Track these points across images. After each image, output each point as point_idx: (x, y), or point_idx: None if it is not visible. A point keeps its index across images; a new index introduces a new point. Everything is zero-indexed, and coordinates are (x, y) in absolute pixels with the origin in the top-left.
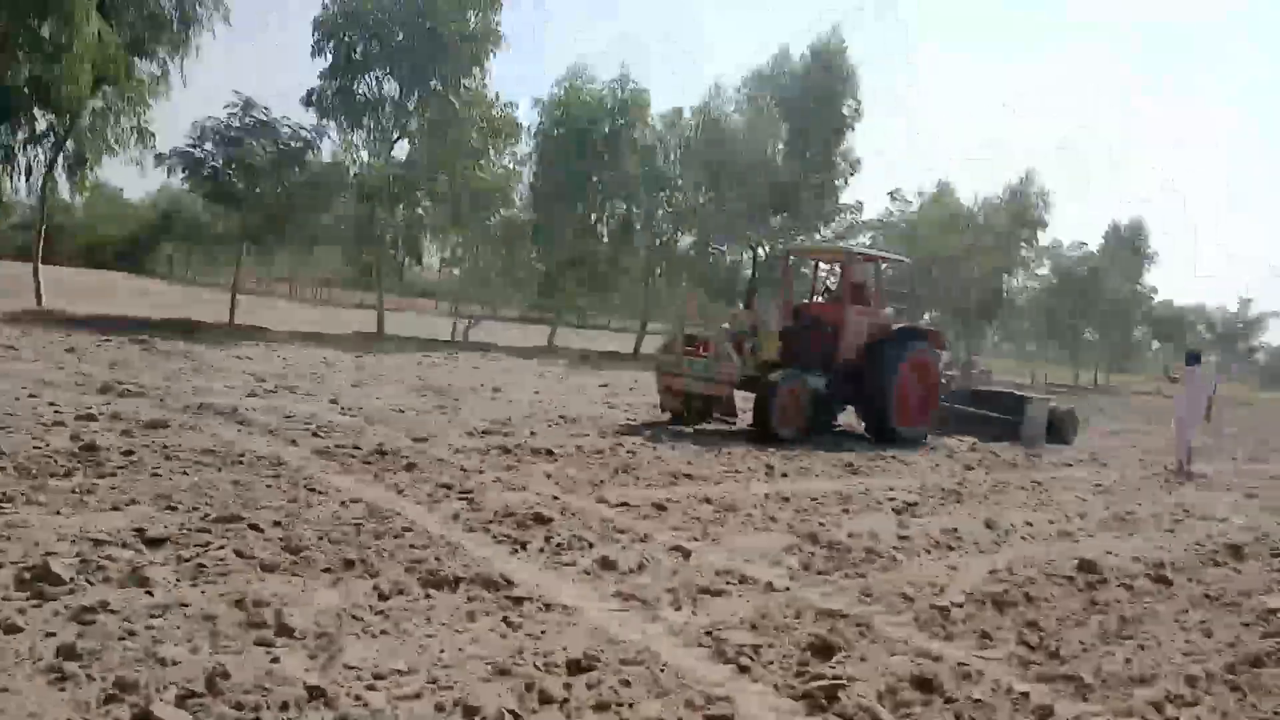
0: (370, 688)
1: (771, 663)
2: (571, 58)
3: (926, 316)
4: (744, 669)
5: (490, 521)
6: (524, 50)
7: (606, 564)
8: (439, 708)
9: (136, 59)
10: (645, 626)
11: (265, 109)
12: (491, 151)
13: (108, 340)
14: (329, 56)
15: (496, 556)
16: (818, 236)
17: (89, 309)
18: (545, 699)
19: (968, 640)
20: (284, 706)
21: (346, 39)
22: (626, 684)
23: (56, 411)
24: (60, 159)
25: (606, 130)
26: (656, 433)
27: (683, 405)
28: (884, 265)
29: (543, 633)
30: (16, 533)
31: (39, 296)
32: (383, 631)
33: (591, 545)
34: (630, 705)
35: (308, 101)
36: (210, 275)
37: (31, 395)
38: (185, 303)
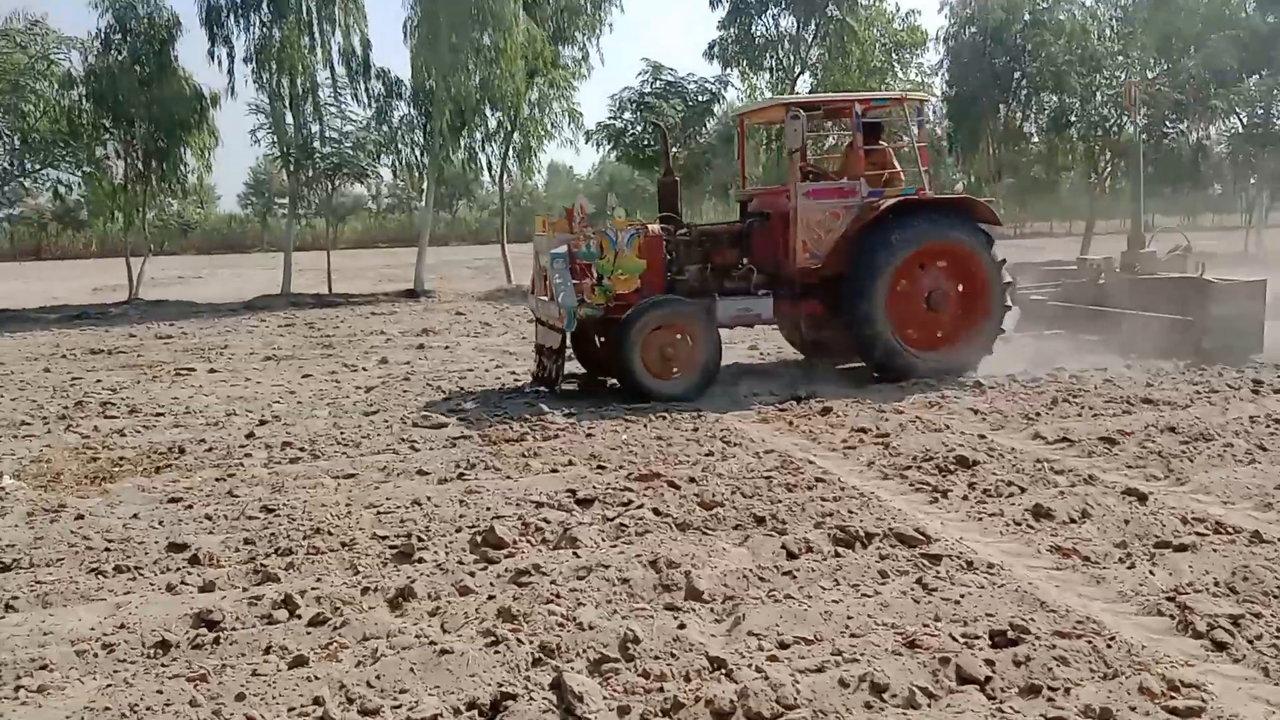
0: (772, 658)
1: (1259, 638)
2: None
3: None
4: (1219, 645)
5: (908, 467)
6: None
7: (1040, 513)
8: (843, 683)
9: (560, 47)
10: (1087, 590)
11: (672, 70)
12: (897, 67)
13: None
14: (725, 4)
15: (912, 507)
16: None
17: None
18: (964, 678)
19: None
20: (687, 677)
21: None
22: (1063, 662)
23: (515, 379)
24: (510, 150)
25: (1027, 17)
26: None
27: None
28: (874, 113)
29: (962, 597)
30: (473, 498)
31: (508, 274)
32: (788, 595)
33: (1023, 490)
34: (1067, 690)
35: (710, 54)
36: None
37: (498, 366)
38: None
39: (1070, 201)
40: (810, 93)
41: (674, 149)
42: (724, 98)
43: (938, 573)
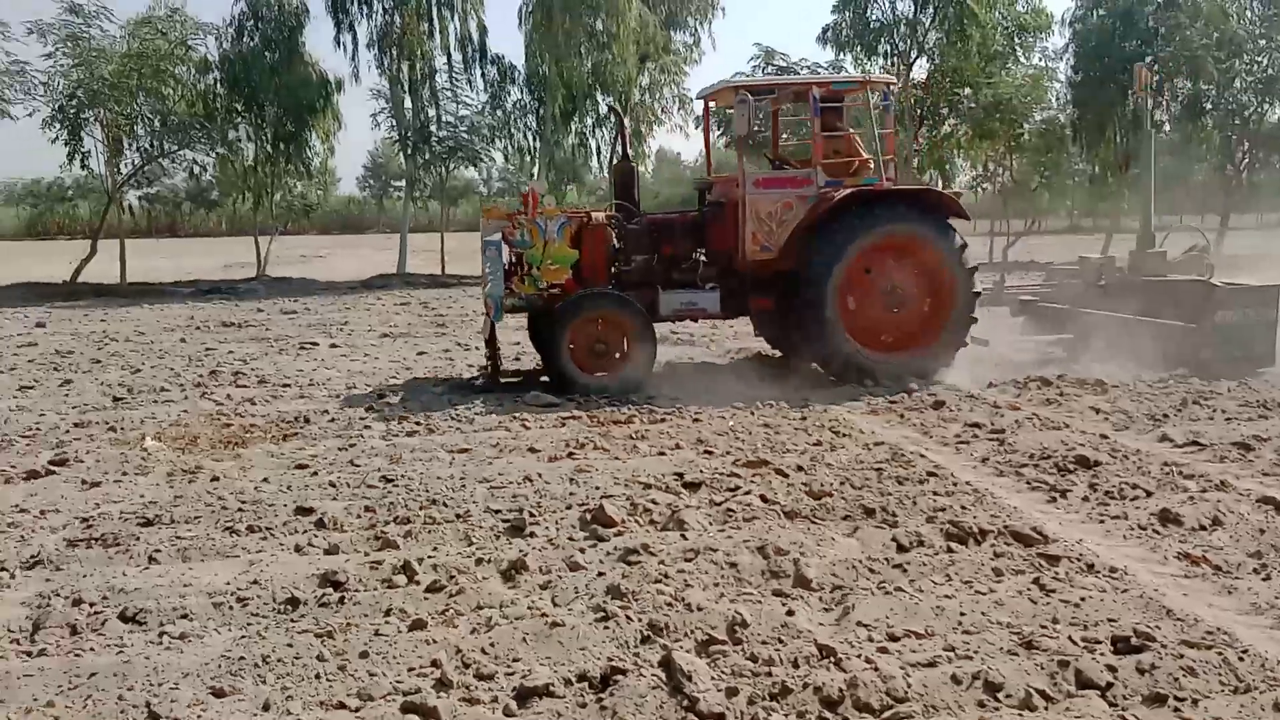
0: (882, 650)
1: None
2: None
3: None
4: None
5: (1024, 465)
6: None
7: (1168, 518)
8: (955, 679)
9: (671, 32)
10: (1218, 600)
11: (784, 55)
12: (1019, 51)
13: None
14: None
15: (1029, 506)
16: None
17: None
18: (1083, 682)
19: None
20: (795, 663)
21: None
22: (1190, 672)
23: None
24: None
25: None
26: None
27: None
28: (838, 97)
29: (1082, 600)
30: (583, 477)
31: None
32: (898, 588)
33: (1149, 494)
34: (1194, 701)
35: (823, 38)
36: None
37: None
38: None
39: (1202, 194)
40: (927, 78)
41: (783, 135)
42: None
43: (1056, 574)
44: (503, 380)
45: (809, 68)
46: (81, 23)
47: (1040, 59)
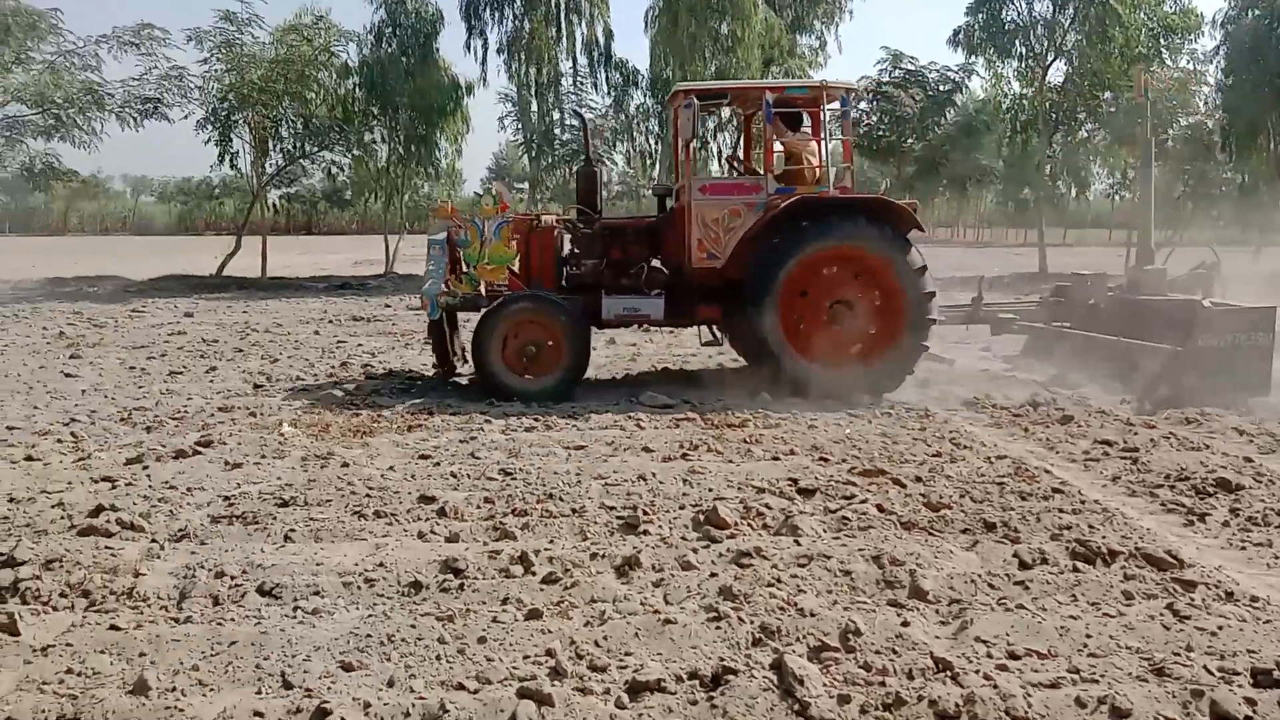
0: (1001, 667)
1: None
2: None
3: None
4: None
5: (1159, 485)
6: None
7: None
8: (1080, 702)
9: (797, 36)
10: None
11: (913, 59)
12: (1165, 53)
13: None
14: None
15: (1164, 528)
16: None
17: None
18: (1219, 714)
19: None
20: (910, 674)
21: None
22: None
23: (735, 361)
24: (740, 141)
25: None
26: None
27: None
28: (792, 102)
29: (1220, 629)
30: (696, 478)
31: None
32: (1019, 605)
33: None
34: None
35: (954, 41)
36: None
37: (720, 352)
38: None
39: None
40: (1064, 81)
41: (909, 140)
42: (967, 87)
43: (1191, 600)
44: (447, 377)
45: (938, 70)
46: (235, 30)
47: (1188, 61)
